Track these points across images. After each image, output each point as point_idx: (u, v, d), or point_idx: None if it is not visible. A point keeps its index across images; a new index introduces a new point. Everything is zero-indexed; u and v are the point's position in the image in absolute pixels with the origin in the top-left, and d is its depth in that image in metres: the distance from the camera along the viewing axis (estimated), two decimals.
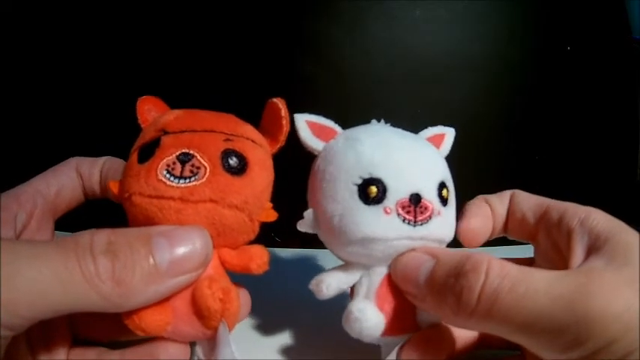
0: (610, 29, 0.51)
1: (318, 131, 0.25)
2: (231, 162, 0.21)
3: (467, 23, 0.48)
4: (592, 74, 0.50)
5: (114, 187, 0.22)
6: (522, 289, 0.17)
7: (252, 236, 0.23)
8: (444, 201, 0.24)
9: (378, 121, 0.26)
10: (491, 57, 0.49)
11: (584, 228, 0.21)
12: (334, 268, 0.25)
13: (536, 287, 0.17)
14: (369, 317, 0.23)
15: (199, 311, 0.21)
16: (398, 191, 0.22)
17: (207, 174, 0.21)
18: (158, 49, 0.46)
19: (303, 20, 0.47)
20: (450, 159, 0.27)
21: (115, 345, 0.23)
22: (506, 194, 0.27)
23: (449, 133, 0.28)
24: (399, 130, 0.26)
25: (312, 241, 0.25)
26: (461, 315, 0.19)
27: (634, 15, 0.52)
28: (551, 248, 0.23)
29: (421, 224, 0.22)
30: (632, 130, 0.52)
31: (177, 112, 0.24)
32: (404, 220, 0.22)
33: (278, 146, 0.25)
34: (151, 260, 0.19)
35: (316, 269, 0.25)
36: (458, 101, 0.47)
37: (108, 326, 0.23)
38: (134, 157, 0.22)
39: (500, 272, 0.18)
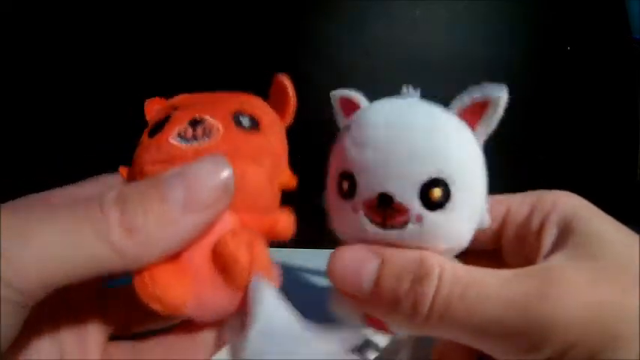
0: (610, 29, 0.51)
1: (345, 107, 0.23)
2: (243, 121, 0.21)
3: (467, 23, 0.48)
4: (592, 74, 0.50)
5: (123, 172, 0.22)
6: (473, 294, 0.17)
7: (272, 204, 0.21)
8: (432, 204, 0.19)
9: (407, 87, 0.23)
10: (492, 57, 0.49)
11: (552, 221, 0.19)
12: None
13: (488, 292, 0.16)
14: (335, 305, 0.21)
15: (226, 267, 0.18)
16: (365, 189, 0.20)
17: (222, 132, 0.20)
18: (159, 48, 0.46)
19: (303, 20, 0.47)
20: None
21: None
22: None
23: (493, 101, 0.19)
24: (412, 108, 0.21)
25: (311, 241, 0.25)
26: (414, 322, 0.18)
27: (634, 15, 0.52)
28: (521, 245, 0.21)
29: (392, 228, 0.19)
30: (632, 130, 0.52)
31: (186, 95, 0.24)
32: (371, 221, 0.20)
33: (287, 122, 0.23)
34: (164, 200, 0.17)
35: (314, 269, 0.25)
36: None
37: (136, 316, 0.22)
38: (145, 135, 0.21)
39: (452, 277, 0.17)
